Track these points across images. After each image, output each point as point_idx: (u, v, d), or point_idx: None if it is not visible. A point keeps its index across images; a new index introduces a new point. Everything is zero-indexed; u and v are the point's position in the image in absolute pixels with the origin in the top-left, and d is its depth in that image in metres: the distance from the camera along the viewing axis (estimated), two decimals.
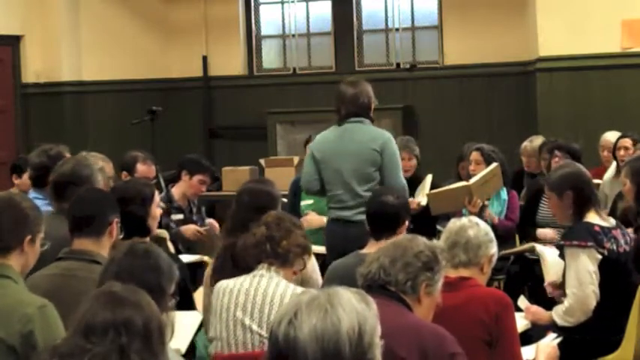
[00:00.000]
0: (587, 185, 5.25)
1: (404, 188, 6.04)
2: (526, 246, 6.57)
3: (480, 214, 6.64)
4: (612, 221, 5.25)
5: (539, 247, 6.03)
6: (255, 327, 4.10)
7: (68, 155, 6.01)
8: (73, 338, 2.55)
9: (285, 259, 4.25)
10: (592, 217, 5.15)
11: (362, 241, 5.12)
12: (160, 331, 2.62)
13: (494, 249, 4.27)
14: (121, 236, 4.42)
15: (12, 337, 3.44)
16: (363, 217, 5.32)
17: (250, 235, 4.36)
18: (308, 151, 6.43)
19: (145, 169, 6.99)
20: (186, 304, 4.67)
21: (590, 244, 5.01)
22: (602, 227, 5.10)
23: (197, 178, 7.09)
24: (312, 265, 5.11)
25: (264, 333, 4.07)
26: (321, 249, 6.14)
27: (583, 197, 5.17)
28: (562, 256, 5.21)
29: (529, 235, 6.94)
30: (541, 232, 6.88)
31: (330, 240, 6.09)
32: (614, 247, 5.05)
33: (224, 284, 4.25)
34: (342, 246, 5.49)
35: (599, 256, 5.00)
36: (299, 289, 4.11)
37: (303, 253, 4.32)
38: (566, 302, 5.06)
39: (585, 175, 5.34)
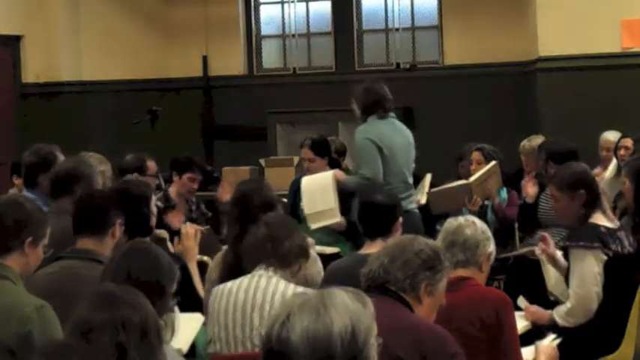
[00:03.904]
0: (596, 185, 5.26)
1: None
2: (526, 249, 6.55)
3: (481, 212, 6.66)
4: (617, 222, 5.25)
5: (539, 249, 6.02)
6: (256, 322, 4.05)
7: (59, 154, 6.00)
8: (70, 338, 2.55)
9: (286, 259, 4.21)
10: (598, 218, 5.12)
11: (419, 228, 5.65)
12: (157, 330, 2.62)
13: (491, 247, 4.27)
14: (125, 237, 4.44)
15: (9, 339, 3.43)
16: (415, 205, 6.29)
17: (251, 236, 4.33)
18: (366, 143, 6.47)
19: (153, 164, 7.18)
20: (191, 302, 4.66)
21: (596, 245, 4.97)
22: (608, 229, 5.07)
23: (186, 176, 7.28)
24: (318, 267, 5.09)
25: (263, 331, 4.03)
26: (321, 249, 6.13)
27: (594, 197, 5.14)
28: (566, 257, 5.19)
29: (531, 232, 6.93)
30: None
31: None
32: (619, 249, 5.03)
33: (221, 286, 4.22)
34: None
35: (604, 257, 4.98)
36: (300, 289, 4.07)
37: (302, 255, 4.28)
38: (569, 303, 5.05)
39: (593, 175, 5.36)
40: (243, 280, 4.17)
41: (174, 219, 7.01)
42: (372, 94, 6.58)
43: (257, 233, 4.28)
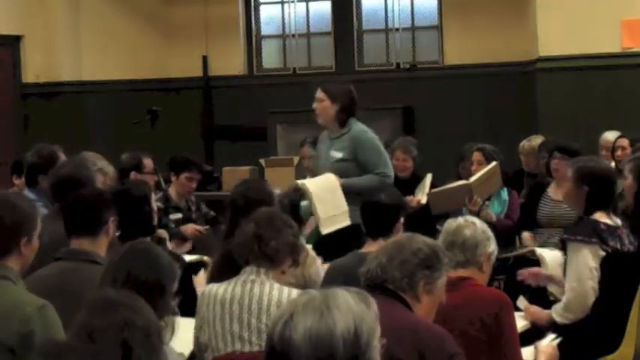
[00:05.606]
0: (606, 186, 5.20)
1: None
2: (526, 249, 6.55)
3: (479, 214, 6.64)
4: (618, 221, 5.25)
5: (539, 250, 6.03)
6: (254, 339, 3.95)
7: (62, 155, 6.00)
8: (74, 338, 2.54)
9: (274, 259, 4.07)
10: (600, 216, 5.13)
11: None
12: (158, 331, 2.62)
13: (492, 247, 4.26)
14: (118, 233, 4.42)
15: (10, 338, 3.43)
16: None
17: (240, 234, 4.21)
18: (379, 143, 6.54)
19: (149, 162, 7.15)
20: (191, 302, 4.65)
21: (594, 240, 5.00)
22: (608, 226, 5.08)
23: (183, 176, 7.30)
24: (317, 268, 5.07)
25: (263, 344, 3.95)
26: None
27: (600, 196, 5.14)
28: (565, 250, 5.19)
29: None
30: (524, 235, 6.87)
31: None
32: (618, 246, 5.04)
33: (213, 290, 4.07)
34: None
35: (603, 253, 4.99)
36: (294, 292, 3.96)
37: (292, 252, 4.14)
38: (565, 298, 5.06)
39: (608, 176, 5.28)
40: (236, 288, 4.03)
41: (181, 248, 6.94)
42: (354, 97, 6.55)
43: (246, 231, 4.15)
